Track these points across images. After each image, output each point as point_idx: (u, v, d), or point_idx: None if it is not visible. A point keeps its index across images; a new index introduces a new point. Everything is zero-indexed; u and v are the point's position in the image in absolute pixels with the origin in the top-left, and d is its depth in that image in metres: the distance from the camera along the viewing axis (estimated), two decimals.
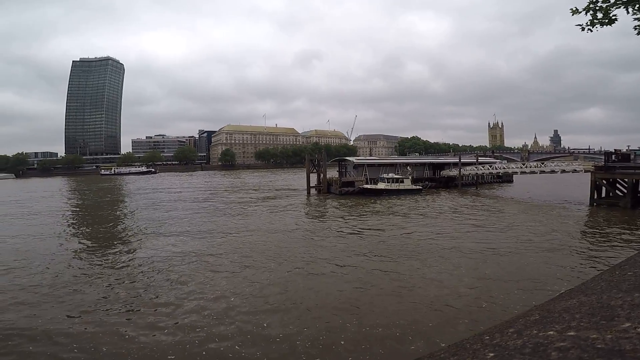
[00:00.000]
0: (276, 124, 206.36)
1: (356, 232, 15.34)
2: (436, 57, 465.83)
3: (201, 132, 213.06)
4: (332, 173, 37.50)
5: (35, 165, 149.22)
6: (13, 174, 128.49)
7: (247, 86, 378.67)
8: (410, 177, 32.26)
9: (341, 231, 15.50)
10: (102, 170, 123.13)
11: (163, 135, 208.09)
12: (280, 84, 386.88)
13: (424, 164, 39.95)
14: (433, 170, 39.72)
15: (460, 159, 36.85)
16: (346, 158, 40.23)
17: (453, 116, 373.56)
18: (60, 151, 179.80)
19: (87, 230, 17.85)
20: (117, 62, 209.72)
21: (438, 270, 9.71)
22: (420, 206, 23.21)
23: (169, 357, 5.71)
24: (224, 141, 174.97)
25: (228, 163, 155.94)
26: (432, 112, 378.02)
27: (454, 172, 37.26)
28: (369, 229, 15.82)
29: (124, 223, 19.09)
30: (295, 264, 10.62)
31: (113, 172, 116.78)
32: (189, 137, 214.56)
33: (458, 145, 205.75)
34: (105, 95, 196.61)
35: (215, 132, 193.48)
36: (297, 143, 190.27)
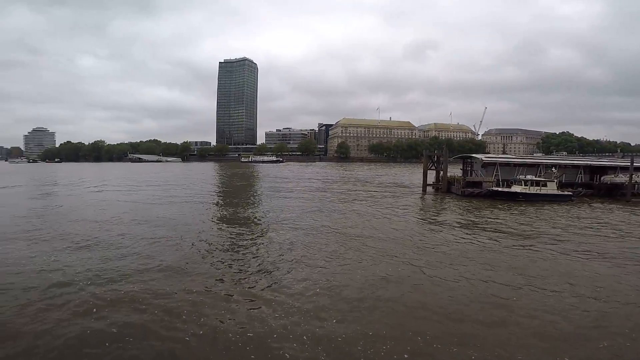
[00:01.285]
0: (390, 117, 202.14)
1: (491, 242, 13.02)
2: (591, 42, 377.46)
3: (320, 125, 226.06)
4: (454, 171, 34.25)
5: (195, 152, 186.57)
6: (180, 159, 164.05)
7: (358, 80, 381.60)
8: (556, 181, 26.49)
9: (468, 238, 13.55)
10: (242, 158, 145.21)
11: (289, 129, 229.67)
12: (392, 76, 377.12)
13: (577, 166, 31.81)
14: (590, 175, 31.71)
15: (632, 162, 28.22)
16: (472, 155, 35.56)
17: (621, 109, 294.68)
18: (213, 140, 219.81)
19: (225, 208, 20.96)
20: (252, 62, 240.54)
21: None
22: (576, 217, 18.71)
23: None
24: (340, 134, 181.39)
25: (343, 155, 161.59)
26: (588, 103, 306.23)
27: (622, 178, 29.05)
28: (508, 238, 13.49)
29: (248, 207, 21.71)
30: (408, 266, 10.01)
31: (250, 160, 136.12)
32: (310, 129, 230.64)
33: (630, 144, 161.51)
34: (244, 92, 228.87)
35: (332, 125, 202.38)
36: (413, 137, 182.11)
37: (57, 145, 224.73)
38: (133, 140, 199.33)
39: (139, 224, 15.61)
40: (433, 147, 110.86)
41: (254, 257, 10.80)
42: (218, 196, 28.30)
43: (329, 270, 9.52)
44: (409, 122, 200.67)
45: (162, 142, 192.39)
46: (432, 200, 26.65)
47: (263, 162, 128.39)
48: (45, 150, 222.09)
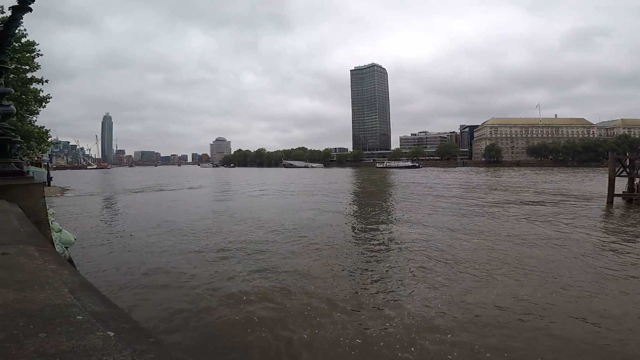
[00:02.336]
0: (555, 115, 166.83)
1: None
2: None
3: (462, 127, 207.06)
4: None
5: (335, 157, 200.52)
6: (322, 164, 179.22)
7: (506, 76, 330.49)
8: None
9: None
10: (377, 164, 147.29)
11: (425, 132, 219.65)
12: (550, 69, 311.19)
13: None
14: None
15: None
16: None
17: None
18: (350, 146, 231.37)
19: (357, 214, 21.69)
20: (380, 67, 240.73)
21: None
22: None
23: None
24: (488, 136, 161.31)
25: (492, 159, 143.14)
26: None
27: None
28: None
29: (382, 213, 21.65)
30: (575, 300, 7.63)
31: (385, 166, 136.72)
32: (450, 132, 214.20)
33: None
34: (376, 98, 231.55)
35: (477, 126, 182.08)
36: (590, 136, 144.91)
37: (232, 153, 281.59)
38: (285, 148, 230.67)
39: (283, 224, 17.87)
40: (621, 148, 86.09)
41: (380, 264, 10.46)
42: (353, 201, 29.51)
43: (461, 287, 8.43)
44: (582, 118, 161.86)
45: (308, 149, 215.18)
46: (623, 214, 20.51)
47: (398, 167, 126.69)
48: (224, 156, 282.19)
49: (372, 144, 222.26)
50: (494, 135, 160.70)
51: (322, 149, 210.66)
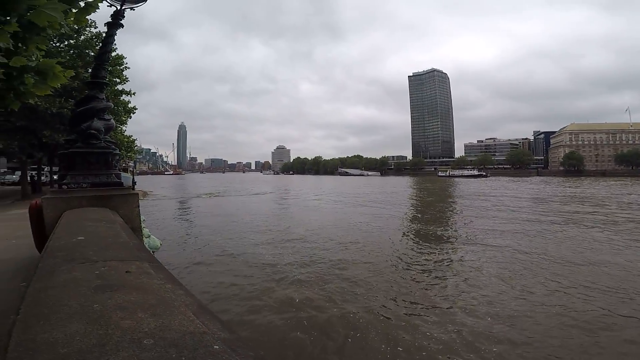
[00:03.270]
0: None
1: None
2: None
3: (536, 133, 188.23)
4: None
5: (392, 166, 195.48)
6: (379, 173, 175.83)
7: (585, 79, 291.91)
8: None
9: None
10: (439, 172, 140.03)
11: (494, 139, 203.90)
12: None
13: None
14: None
15: None
16: None
17: None
18: (409, 154, 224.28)
19: (414, 223, 20.40)
20: (441, 72, 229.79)
21: None
22: None
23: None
24: (567, 142, 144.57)
25: (573, 168, 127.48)
26: None
27: None
28: None
29: (442, 224, 20.11)
30: None
31: (448, 174, 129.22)
32: (522, 139, 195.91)
33: None
34: (438, 104, 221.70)
35: (553, 132, 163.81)
36: None
37: (291, 160, 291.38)
38: (341, 156, 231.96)
39: (338, 227, 17.68)
40: None
41: (438, 278, 9.85)
42: (410, 210, 28.13)
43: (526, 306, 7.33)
44: None
45: (364, 157, 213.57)
46: None
47: (463, 176, 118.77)
48: (283, 164, 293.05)
49: (434, 152, 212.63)
50: (574, 142, 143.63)
51: (378, 156, 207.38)
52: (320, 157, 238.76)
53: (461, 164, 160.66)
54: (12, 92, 3.24)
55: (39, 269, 1.89)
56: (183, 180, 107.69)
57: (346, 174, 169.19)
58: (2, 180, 41.42)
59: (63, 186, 4.80)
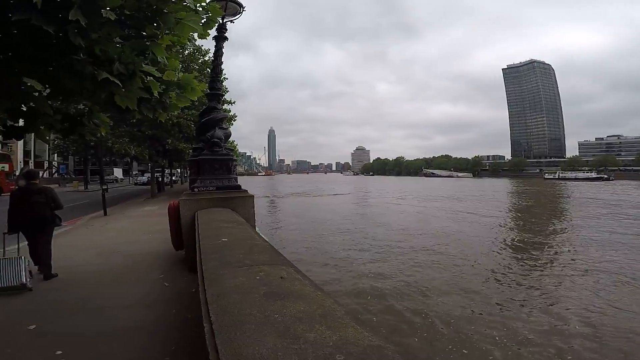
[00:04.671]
0: None
1: None
2: None
3: None
4: None
5: (487, 166, 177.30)
6: (471, 174, 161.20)
7: None
8: None
9: None
10: (546, 174, 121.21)
11: (618, 136, 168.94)
12: None
13: None
14: None
15: None
16: None
17: None
18: (506, 154, 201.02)
19: (515, 232, 17.76)
20: (543, 63, 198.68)
21: None
22: None
23: None
24: None
25: None
26: None
27: None
28: None
29: (553, 235, 17.05)
30: None
31: (557, 177, 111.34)
32: None
33: None
34: (542, 98, 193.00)
35: None
36: None
37: (371, 161, 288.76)
38: (426, 156, 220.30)
39: (422, 233, 16.54)
40: None
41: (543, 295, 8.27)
42: (511, 218, 24.79)
43: None
44: None
45: (453, 157, 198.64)
46: None
47: (577, 179, 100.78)
48: (363, 165, 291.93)
49: (539, 151, 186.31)
50: None
51: (470, 156, 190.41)
52: (402, 157, 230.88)
53: (574, 164, 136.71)
54: (162, 106, 3.64)
55: (204, 271, 2.09)
56: (273, 181, 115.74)
57: (432, 175, 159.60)
58: (135, 182, 50.14)
59: (194, 189, 5.48)
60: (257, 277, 1.88)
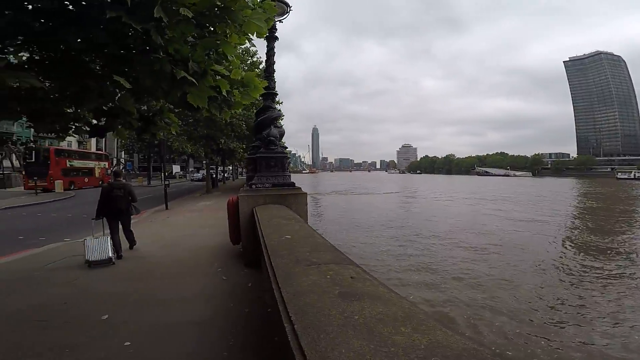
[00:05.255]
0: None
1: None
2: None
3: None
4: None
5: (549, 165, 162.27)
6: (530, 173, 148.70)
7: None
8: None
9: None
10: (618, 174, 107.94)
11: None
12: None
13: None
14: None
15: None
16: None
17: None
18: (571, 151, 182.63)
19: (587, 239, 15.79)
20: (611, 54, 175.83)
21: None
22: None
23: None
24: None
25: None
26: None
27: None
28: None
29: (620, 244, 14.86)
30: None
31: (633, 177, 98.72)
32: None
33: None
34: (612, 91, 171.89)
35: None
36: None
37: (418, 159, 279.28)
38: (480, 154, 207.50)
39: (473, 234, 15.43)
40: None
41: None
42: (579, 225, 22.29)
43: None
44: None
45: (509, 154, 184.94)
46: None
47: None
48: (410, 163, 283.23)
49: (610, 148, 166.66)
50: None
51: (529, 154, 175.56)
52: (452, 155, 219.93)
53: None
54: (227, 104, 3.69)
55: (274, 268, 2.06)
56: (317, 179, 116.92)
57: (486, 173, 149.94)
58: (191, 178, 53.56)
59: (252, 186, 5.61)
60: (328, 276, 1.84)
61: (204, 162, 28.24)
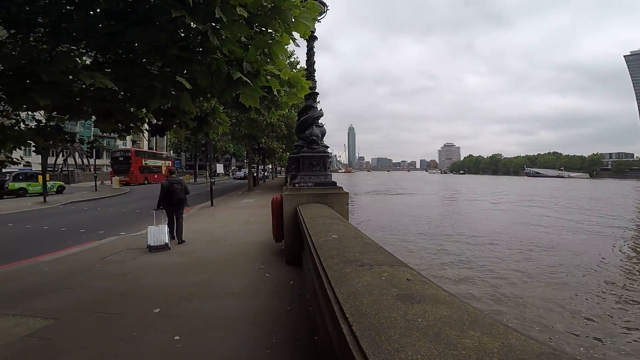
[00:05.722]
0: None
1: None
2: None
3: None
4: None
5: (609, 166, 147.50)
6: (587, 174, 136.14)
7: None
8: None
9: None
10: None
11: None
12: None
13: None
14: None
15: None
16: None
17: None
18: (636, 151, 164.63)
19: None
20: None
21: None
22: None
23: None
24: None
25: None
26: None
27: None
28: None
29: None
30: None
31: None
32: None
33: None
34: None
35: None
36: None
37: (461, 159, 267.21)
38: (530, 153, 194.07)
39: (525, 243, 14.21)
40: None
41: None
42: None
43: None
44: None
45: (563, 154, 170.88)
46: None
47: None
48: (452, 163, 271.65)
49: None
50: None
51: (586, 153, 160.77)
52: (499, 154, 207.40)
53: None
54: (275, 104, 3.73)
55: (325, 268, 2.04)
56: (353, 178, 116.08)
57: (537, 175, 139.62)
58: (234, 176, 55.76)
59: (295, 185, 5.67)
60: (383, 278, 1.79)
61: (245, 160, 29.20)
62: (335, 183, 5.85)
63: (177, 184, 7.66)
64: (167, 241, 6.92)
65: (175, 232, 7.71)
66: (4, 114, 3.94)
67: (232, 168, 67.08)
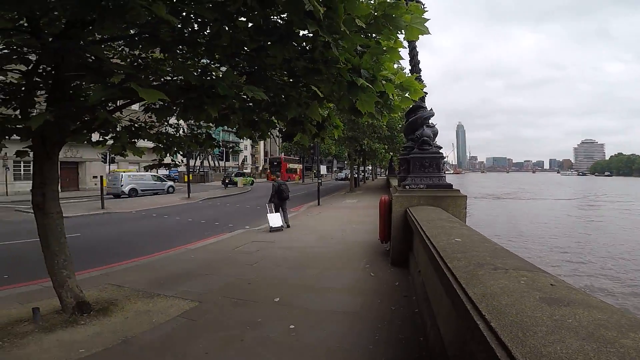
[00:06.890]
0: None
1: None
2: None
3: None
4: None
5: None
6: None
7: None
8: None
9: None
10: None
11: None
12: None
13: None
14: None
15: None
16: None
17: None
18: None
19: None
20: None
21: None
22: None
23: None
24: None
25: None
26: None
27: None
28: None
29: None
30: None
31: None
32: None
33: None
34: None
35: None
36: None
37: (606, 158, 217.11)
38: None
39: None
40: None
41: None
42: None
43: None
44: None
45: None
46: None
47: None
48: (594, 163, 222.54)
49: None
50: None
51: None
52: None
53: None
54: (387, 108, 3.75)
55: (452, 269, 2.00)
56: (462, 180, 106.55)
57: None
58: (336, 178, 58.02)
59: (405, 186, 5.59)
60: (522, 282, 1.69)
61: (345, 162, 29.90)
62: (450, 185, 5.53)
63: (283, 185, 10.26)
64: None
65: (284, 219, 9.98)
66: (167, 125, 5.03)
67: (335, 169, 69.50)
